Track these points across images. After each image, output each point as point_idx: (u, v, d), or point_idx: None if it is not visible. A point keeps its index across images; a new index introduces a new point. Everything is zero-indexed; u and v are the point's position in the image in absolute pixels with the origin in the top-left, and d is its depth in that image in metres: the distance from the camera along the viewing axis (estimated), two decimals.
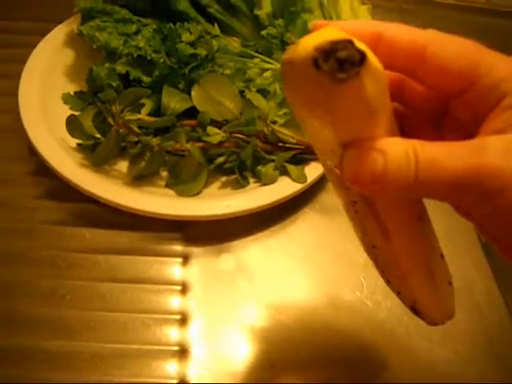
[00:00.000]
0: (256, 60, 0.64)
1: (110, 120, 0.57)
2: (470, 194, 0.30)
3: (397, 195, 0.34)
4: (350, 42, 0.27)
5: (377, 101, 0.30)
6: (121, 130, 0.57)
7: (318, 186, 0.61)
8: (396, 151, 0.30)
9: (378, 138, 0.31)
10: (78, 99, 0.64)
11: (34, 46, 0.68)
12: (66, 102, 0.63)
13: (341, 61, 0.27)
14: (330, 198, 0.63)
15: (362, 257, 0.59)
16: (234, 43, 0.65)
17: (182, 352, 0.52)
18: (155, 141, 0.57)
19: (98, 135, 0.59)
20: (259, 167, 0.60)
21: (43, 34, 0.70)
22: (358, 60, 0.27)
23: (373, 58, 0.28)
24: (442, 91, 0.35)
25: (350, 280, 0.58)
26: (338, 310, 0.56)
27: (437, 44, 0.32)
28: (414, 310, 0.40)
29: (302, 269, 0.58)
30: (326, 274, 0.58)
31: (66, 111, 0.62)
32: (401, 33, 0.33)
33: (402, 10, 0.85)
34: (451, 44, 0.33)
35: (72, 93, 0.65)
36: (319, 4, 0.67)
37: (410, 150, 0.30)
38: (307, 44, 0.28)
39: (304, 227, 0.61)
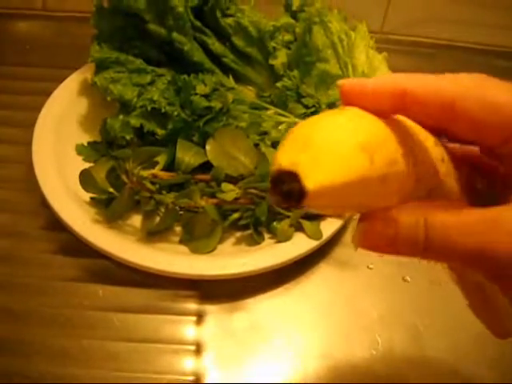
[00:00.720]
0: (271, 112, 0.63)
1: (124, 177, 0.56)
2: (481, 270, 0.30)
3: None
4: (294, 176, 0.26)
5: (347, 202, 0.29)
6: (134, 187, 0.57)
7: (333, 240, 0.60)
8: (406, 220, 0.30)
9: (391, 207, 0.30)
10: (91, 150, 0.64)
11: (48, 94, 0.68)
12: (79, 153, 0.63)
13: (284, 192, 0.27)
14: (345, 252, 0.62)
15: (376, 312, 0.59)
16: (250, 92, 0.65)
17: None
18: (169, 198, 0.57)
19: (112, 190, 0.59)
20: (274, 223, 0.59)
21: (58, 80, 0.69)
22: (297, 197, 0.26)
23: (320, 194, 0.27)
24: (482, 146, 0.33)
25: (366, 337, 0.57)
26: (354, 368, 0.55)
27: (466, 97, 0.30)
28: None
29: (318, 326, 0.58)
30: (341, 331, 0.58)
31: (80, 161, 0.62)
32: (426, 86, 0.30)
33: (419, 53, 0.84)
34: (485, 93, 0.30)
35: (86, 143, 0.65)
36: (335, 54, 0.66)
37: (421, 219, 0.29)
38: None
39: (319, 283, 0.60)
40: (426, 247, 0.30)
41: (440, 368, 0.56)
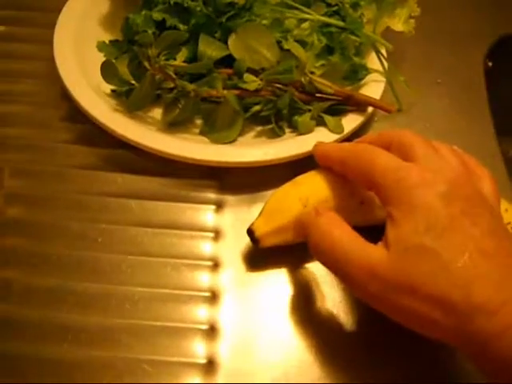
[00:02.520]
0: (294, 10, 0.62)
1: (146, 64, 0.56)
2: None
3: None
4: (250, 231, 0.51)
5: (298, 233, 0.51)
6: (157, 75, 0.56)
7: (354, 136, 0.60)
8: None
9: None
10: (112, 47, 0.63)
11: None
12: (100, 50, 0.62)
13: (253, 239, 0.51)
14: None
15: None
16: None
17: (213, 297, 0.51)
18: (191, 86, 0.56)
19: (133, 81, 0.58)
20: (296, 117, 0.59)
21: None
22: (254, 242, 0.51)
23: (266, 237, 0.51)
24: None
25: None
26: None
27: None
28: None
29: None
30: None
31: (101, 59, 0.61)
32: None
33: None
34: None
35: (107, 41, 0.64)
36: None
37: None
38: None
39: None
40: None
41: None
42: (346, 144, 0.51)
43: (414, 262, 0.40)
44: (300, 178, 0.53)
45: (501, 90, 0.73)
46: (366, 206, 0.52)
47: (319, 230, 0.46)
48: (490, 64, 0.74)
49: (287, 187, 0.52)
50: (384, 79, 0.63)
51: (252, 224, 0.51)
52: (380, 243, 0.43)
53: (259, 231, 0.51)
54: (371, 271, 0.41)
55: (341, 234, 0.44)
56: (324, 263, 0.46)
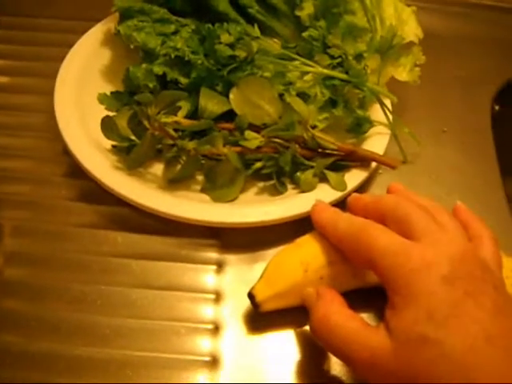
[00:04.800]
0: (296, 63, 0.62)
1: (146, 123, 0.55)
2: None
3: None
4: (251, 296, 0.50)
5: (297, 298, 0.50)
6: (156, 133, 0.56)
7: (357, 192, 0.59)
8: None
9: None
10: (113, 99, 0.62)
11: (71, 46, 0.67)
12: (101, 102, 0.62)
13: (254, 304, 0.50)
14: None
15: None
16: (275, 45, 0.63)
17: (214, 362, 0.50)
18: (191, 144, 0.56)
19: (133, 137, 0.58)
20: (298, 173, 0.58)
21: (81, 32, 0.69)
22: (255, 306, 0.50)
23: (268, 302, 0.50)
24: None
25: None
26: None
27: None
28: None
29: None
30: None
31: (102, 112, 0.61)
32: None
33: (446, 12, 0.82)
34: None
35: (108, 93, 0.64)
36: (362, 6, 0.64)
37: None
38: None
39: None
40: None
41: None
42: (344, 218, 0.49)
43: (416, 351, 0.39)
44: (301, 240, 0.52)
45: (508, 134, 0.72)
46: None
47: (318, 316, 0.45)
48: (497, 108, 0.73)
49: (288, 250, 0.52)
50: (389, 132, 0.62)
51: (253, 288, 0.51)
52: (381, 326, 0.42)
53: (260, 296, 0.50)
54: (372, 358, 0.40)
55: (338, 319, 0.44)
56: (325, 348, 0.46)
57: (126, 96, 0.62)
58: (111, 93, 0.64)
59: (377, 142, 0.61)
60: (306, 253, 0.51)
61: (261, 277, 0.51)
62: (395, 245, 0.42)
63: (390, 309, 0.41)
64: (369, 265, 0.44)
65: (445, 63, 0.75)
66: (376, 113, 0.63)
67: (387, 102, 0.63)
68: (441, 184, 0.63)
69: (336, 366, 0.50)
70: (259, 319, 0.52)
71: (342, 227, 0.47)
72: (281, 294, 0.50)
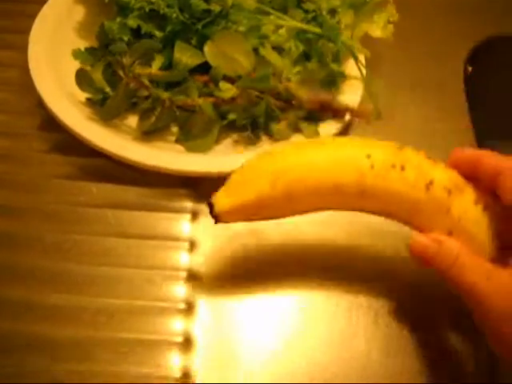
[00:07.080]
0: (271, 17, 0.62)
1: (120, 73, 0.56)
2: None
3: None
4: (210, 205, 0.45)
5: (261, 214, 0.46)
6: (131, 84, 0.56)
7: None
8: (447, 247, 0.42)
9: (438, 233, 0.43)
10: (88, 54, 0.62)
11: (44, 2, 0.67)
12: (76, 58, 0.62)
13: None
14: None
15: None
16: (249, 0, 0.63)
17: (188, 309, 0.50)
18: (166, 94, 0.56)
19: (108, 89, 0.58)
20: (272, 124, 0.58)
21: None
22: (213, 217, 0.46)
23: (227, 214, 0.45)
24: None
25: None
26: None
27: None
28: None
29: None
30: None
31: (76, 67, 0.61)
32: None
33: None
34: None
35: (82, 49, 0.63)
36: None
37: (455, 251, 0.42)
38: None
39: None
40: (447, 270, 0.42)
41: None
42: None
43: None
44: (275, 149, 0.47)
45: (481, 93, 0.73)
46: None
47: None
48: (470, 69, 0.74)
49: (259, 158, 0.46)
50: (362, 85, 0.62)
51: (213, 196, 0.46)
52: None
53: (219, 206, 0.45)
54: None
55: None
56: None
57: (101, 51, 0.62)
58: (86, 48, 0.63)
59: (351, 96, 0.61)
60: (280, 164, 0.45)
61: (224, 185, 0.46)
62: None
63: None
64: None
65: (418, 22, 0.75)
66: (350, 68, 0.63)
67: (361, 58, 0.63)
68: (413, 136, 0.63)
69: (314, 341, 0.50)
70: (233, 265, 0.53)
71: None
72: (243, 206, 0.45)
